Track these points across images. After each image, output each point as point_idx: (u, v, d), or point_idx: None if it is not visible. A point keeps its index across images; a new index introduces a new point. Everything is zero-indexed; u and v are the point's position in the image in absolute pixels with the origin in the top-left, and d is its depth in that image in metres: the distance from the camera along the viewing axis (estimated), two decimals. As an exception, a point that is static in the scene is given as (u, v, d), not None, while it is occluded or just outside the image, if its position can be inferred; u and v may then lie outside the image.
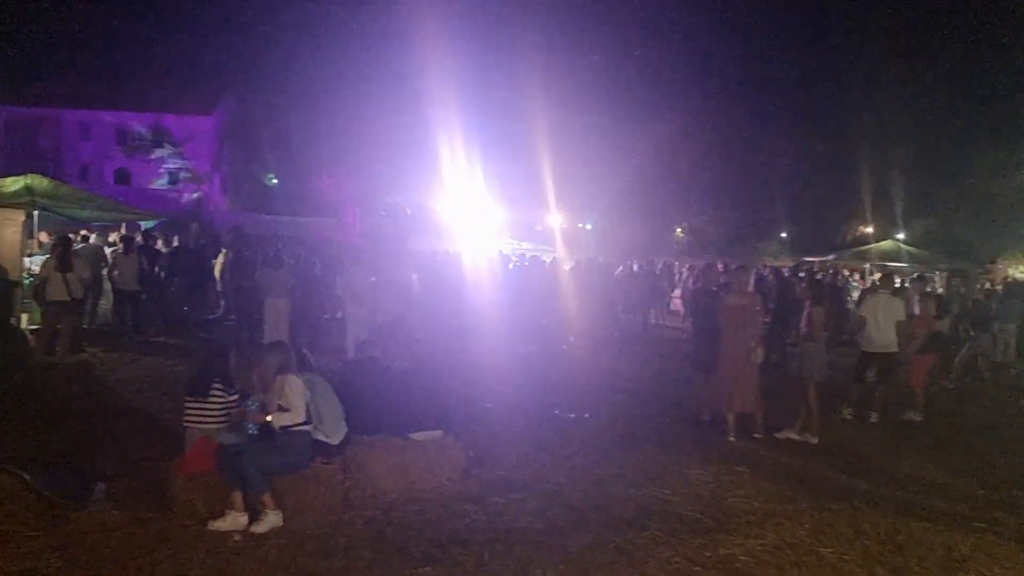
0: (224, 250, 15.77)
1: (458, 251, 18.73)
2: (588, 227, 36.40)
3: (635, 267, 21.35)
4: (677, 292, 21.93)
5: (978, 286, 19.92)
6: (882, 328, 9.17)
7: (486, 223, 28.30)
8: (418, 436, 6.23)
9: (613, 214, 38.35)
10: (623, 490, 6.26)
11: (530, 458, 6.95)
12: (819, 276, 19.43)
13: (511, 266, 18.65)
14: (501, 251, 21.61)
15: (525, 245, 27.77)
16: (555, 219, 30.44)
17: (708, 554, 5.04)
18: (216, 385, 5.67)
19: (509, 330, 12.10)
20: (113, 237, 15.03)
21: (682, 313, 19.19)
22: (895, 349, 9.23)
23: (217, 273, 15.17)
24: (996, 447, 8.53)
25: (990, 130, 34.12)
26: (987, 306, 14.86)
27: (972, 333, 12.44)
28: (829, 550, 5.20)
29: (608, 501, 6.00)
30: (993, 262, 34.64)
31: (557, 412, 8.68)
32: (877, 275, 16.12)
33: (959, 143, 34.96)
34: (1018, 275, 29.95)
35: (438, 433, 6.35)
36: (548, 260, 19.50)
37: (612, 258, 25.18)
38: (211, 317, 14.81)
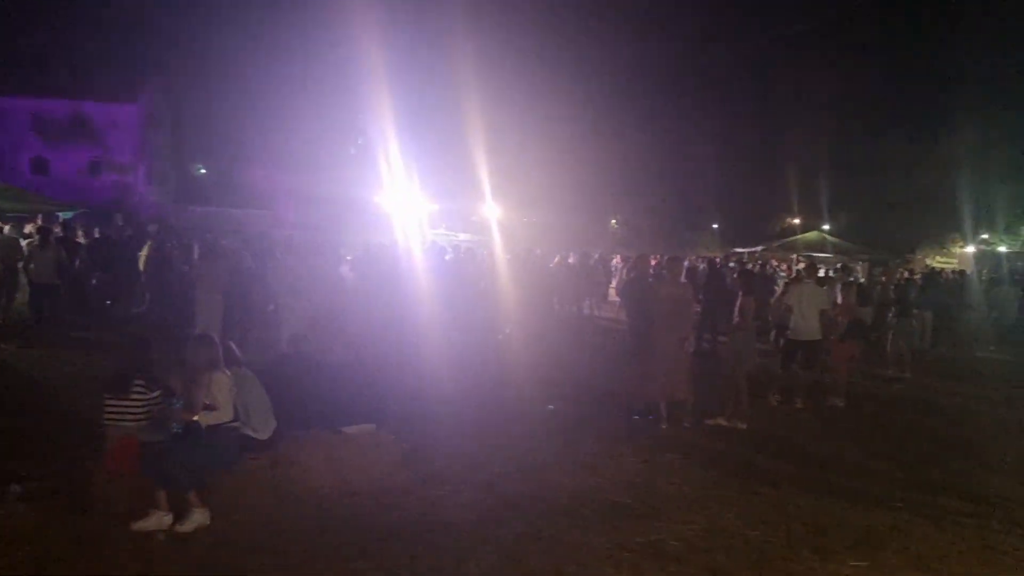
0: (149, 242, 15.29)
1: (394, 242, 18.52)
2: (525, 219, 36.46)
3: (570, 259, 21.50)
4: (614, 283, 22.17)
5: (897, 275, 20.77)
6: (807, 317, 9.45)
7: (422, 214, 28.13)
8: (351, 430, 6.16)
9: (549, 205, 38.55)
10: (557, 479, 6.31)
11: (465, 450, 6.94)
12: (749, 267, 19.94)
13: (447, 257, 18.55)
14: (436, 242, 21.48)
15: (461, 236, 27.71)
16: (491, 210, 30.39)
17: (639, 540, 5.12)
18: (137, 382, 5.47)
19: (445, 322, 12.04)
20: (29, 228, 14.40)
21: (618, 304, 19.42)
22: (819, 337, 9.52)
23: (142, 266, 14.70)
24: (913, 430, 8.89)
25: (907, 130, 35.63)
26: (909, 293, 15.46)
27: (897, 320, 12.90)
28: (756, 532, 5.34)
29: (542, 490, 6.04)
30: (912, 252, 36.28)
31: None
32: (802, 265, 16.59)
33: (879, 141, 36.43)
34: (935, 265, 31.35)
35: (371, 427, 6.29)
36: (484, 251, 19.46)
37: (548, 249, 25.31)
38: (135, 311, 14.34)
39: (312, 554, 4.75)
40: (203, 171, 41.95)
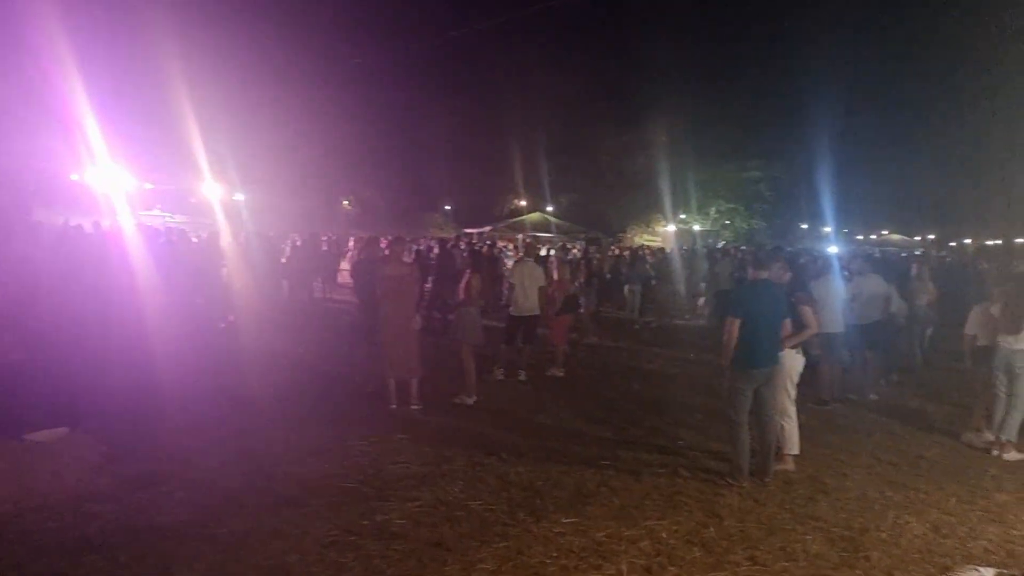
0: None
1: (98, 225, 16.64)
2: (240, 197, 34.05)
3: (298, 241, 20.85)
4: (346, 264, 21.86)
5: (609, 253, 22.72)
6: (528, 294, 9.98)
7: (131, 194, 25.62)
8: (37, 436, 5.45)
9: (277, 185, 36.86)
10: (282, 469, 6.09)
11: (181, 447, 6.45)
12: (477, 246, 20.70)
13: (161, 241, 17.08)
14: (150, 225, 19.70)
15: (179, 218, 25.70)
16: (213, 191, 28.31)
17: (365, 522, 5.10)
18: None
19: (157, 311, 11.07)
20: None
21: (350, 285, 19.14)
22: (538, 312, 10.10)
23: None
24: (621, 394, 9.73)
25: (618, 116, 38.99)
26: (617, 269, 16.93)
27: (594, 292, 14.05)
28: (479, 503, 5.55)
29: (266, 482, 5.80)
30: (623, 231, 39.92)
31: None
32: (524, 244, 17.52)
33: (594, 127, 39.43)
34: (644, 242, 34.79)
35: (63, 431, 5.62)
36: (204, 234, 18.19)
37: (278, 231, 24.30)
38: None
39: (-14, 582, 4.14)
40: None
